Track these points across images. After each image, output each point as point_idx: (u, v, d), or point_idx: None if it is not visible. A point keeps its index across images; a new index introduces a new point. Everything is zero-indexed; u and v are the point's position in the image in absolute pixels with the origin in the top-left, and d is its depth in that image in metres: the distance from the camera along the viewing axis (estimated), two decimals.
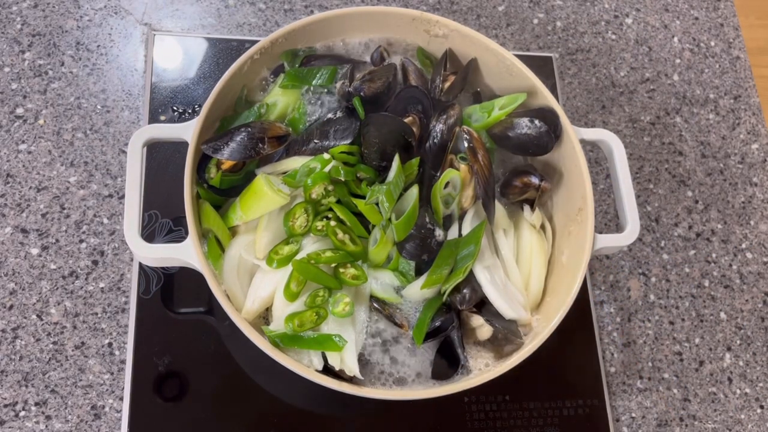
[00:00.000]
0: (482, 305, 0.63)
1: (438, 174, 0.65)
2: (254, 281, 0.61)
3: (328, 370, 0.59)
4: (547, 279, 0.67)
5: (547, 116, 0.66)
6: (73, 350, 0.68)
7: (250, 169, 0.64)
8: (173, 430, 0.66)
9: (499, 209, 0.66)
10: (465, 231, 0.63)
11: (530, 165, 0.70)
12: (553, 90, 0.89)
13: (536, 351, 0.59)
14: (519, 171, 0.68)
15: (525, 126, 0.66)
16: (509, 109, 0.66)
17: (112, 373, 0.68)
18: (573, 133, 0.66)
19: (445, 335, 0.62)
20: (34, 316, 0.69)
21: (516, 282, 0.65)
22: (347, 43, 0.72)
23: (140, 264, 0.71)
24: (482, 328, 0.63)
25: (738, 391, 0.81)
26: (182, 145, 0.61)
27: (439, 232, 0.62)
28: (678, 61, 0.97)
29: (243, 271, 0.61)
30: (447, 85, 0.68)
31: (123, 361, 0.68)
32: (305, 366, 0.56)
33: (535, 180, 0.66)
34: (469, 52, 0.71)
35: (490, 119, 0.67)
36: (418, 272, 0.63)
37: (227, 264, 0.60)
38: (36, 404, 0.66)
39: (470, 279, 0.62)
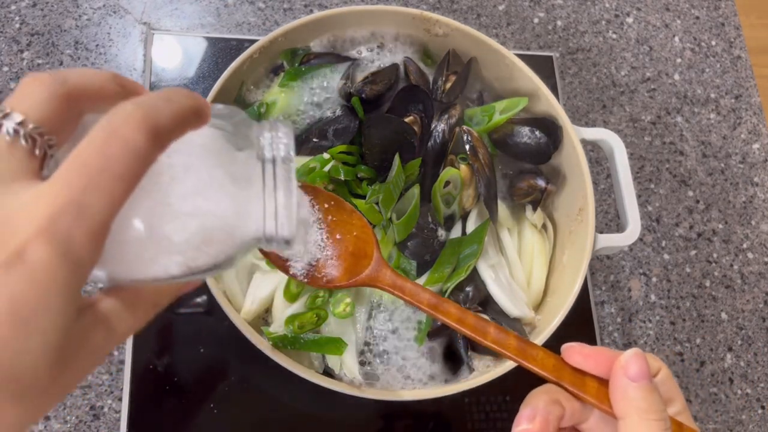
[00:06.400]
0: (486, 304, 0.62)
1: (439, 173, 0.64)
2: (254, 281, 0.61)
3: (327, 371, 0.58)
4: (547, 279, 0.67)
5: (548, 127, 0.66)
6: None
7: None
8: (172, 431, 0.66)
9: (503, 209, 0.66)
10: (469, 230, 0.63)
11: (535, 167, 0.69)
12: (553, 89, 0.88)
13: None
14: (524, 173, 0.68)
15: (525, 135, 0.66)
16: (510, 114, 0.66)
17: (110, 374, 0.68)
18: (574, 133, 0.66)
19: (447, 334, 0.62)
20: None
21: (519, 281, 0.65)
22: (347, 41, 0.71)
23: None
24: None
25: (739, 392, 0.81)
26: None
27: (441, 232, 0.62)
28: (679, 60, 0.97)
29: (242, 270, 0.61)
30: (449, 85, 0.68)
31: (122, 362, 0.68)
32: (306, 367, 0.56)
33: (540, 183, 0.66)
34: (469, 51, 0.71)
35: (490, 123, 0.67)
36: (420, 272, 0.62)
37: None
38: None
39: (474, 278, 0.62)
